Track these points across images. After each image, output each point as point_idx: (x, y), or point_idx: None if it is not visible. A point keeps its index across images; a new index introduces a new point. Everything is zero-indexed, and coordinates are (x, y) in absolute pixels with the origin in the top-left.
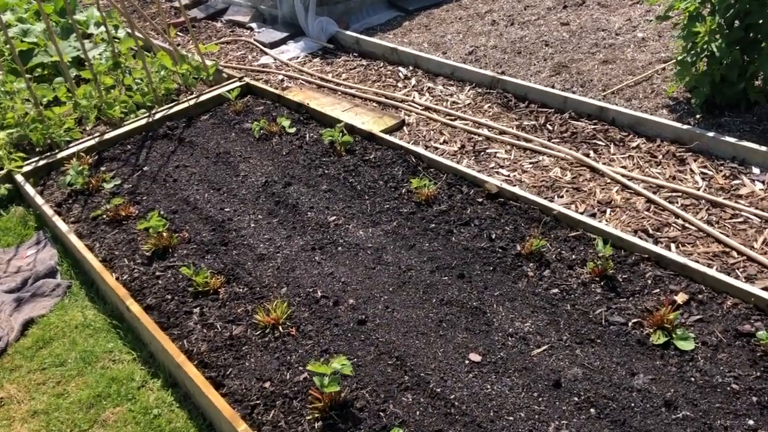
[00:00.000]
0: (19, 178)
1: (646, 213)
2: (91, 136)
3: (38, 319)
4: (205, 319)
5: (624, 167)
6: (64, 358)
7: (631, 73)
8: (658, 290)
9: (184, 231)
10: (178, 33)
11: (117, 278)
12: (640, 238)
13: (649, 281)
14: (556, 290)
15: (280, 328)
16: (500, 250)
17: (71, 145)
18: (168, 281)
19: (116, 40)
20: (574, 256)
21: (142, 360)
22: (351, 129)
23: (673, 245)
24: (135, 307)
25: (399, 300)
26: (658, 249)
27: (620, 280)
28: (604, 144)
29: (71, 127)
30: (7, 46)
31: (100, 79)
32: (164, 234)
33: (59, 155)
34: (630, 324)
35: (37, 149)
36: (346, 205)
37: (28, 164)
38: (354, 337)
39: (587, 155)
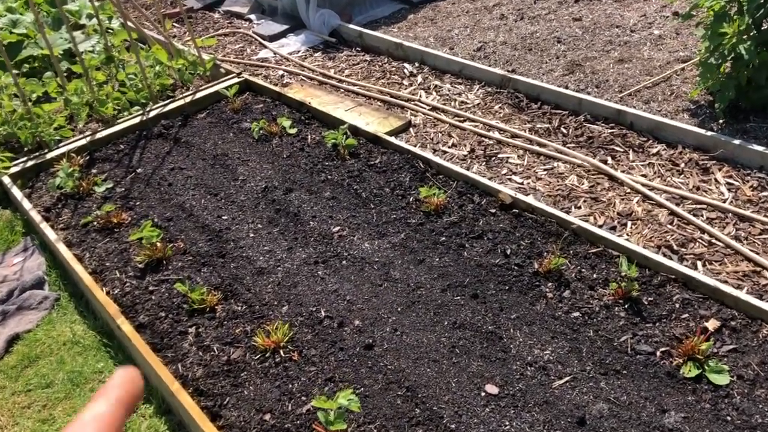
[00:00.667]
0: (6, 179)
1: (669, 227)
2: (82, 135)
3: (24, 334)
4: (201, 340)
5: (644, 176)
6: (51, 378)
7: (649, 74)
8: (687, 315)
9: (180, 241)
10: (174, 24)
11: (108, 292)
12: (664, 254)
13: (677, 305)
14: (577, 314)
15: (281, 352)
16: (516, 268)
17: (61, 144)
18: (162, 297)
19: (110, 31)
20: (595, 275)
21: None
22: (355, 130)
23: (699, 263)
24: (126, 327)
25: (408, 322)
26: (686, 270)
27: (646, 303)
28: (622, 150)
29: (62, 125)
30: None
31: (91, 74)
32: (158, 244)
33: (48, 155)
34: (658, 354)
35: (26, 149)
36: (350, 214)
37: (15, 165)
38: (360, 364)
39: (605, 162)
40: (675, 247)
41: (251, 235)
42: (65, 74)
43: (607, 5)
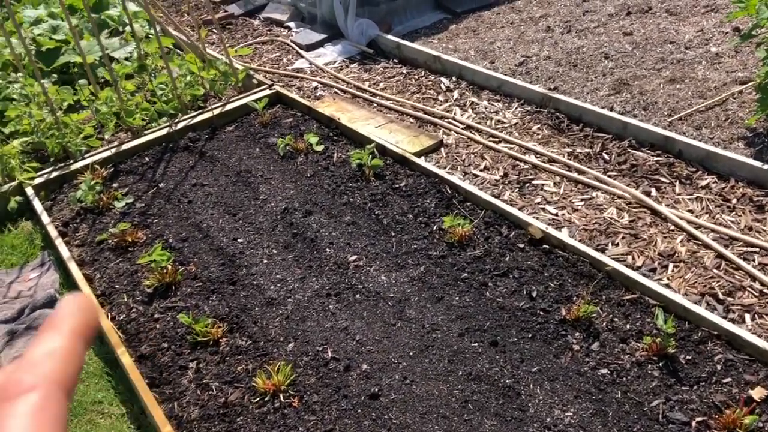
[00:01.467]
0: (30, 191)
1: (715, 272)
2: (108, 146)
3: None
4: (201, 377)
5: (691, 211)
6: None
7: (702, 96)
8: (729, 379)
9: (192, 264)
10: (213, 31)
11: (113, 318)
12: (708, 304)
13: (719, 366)
14: (605, 370)
15: (281, 396)
16: (542, 313)
17: (87, 155)
18: (167, 326)
19: (149, 37)
20: (628, 326)
21: (133, 417)
22: (382, 150)
23: (747, 316)
24: (126, 359)
25: (420, 369)
26: (730, 326)
27: (683, 361)
28: (668, 181)
29: (90, 135)
30: (31, 45)
31: (121, 83)
32: (169, 268)
33: (73, 166)
34: (693, 424)
35: (51, 159)
36: (369, 242)
37: (40, 176)
38: (364, 415)
39: (648, 194)
40: (721, 296)
41: (265, 261)
42: (101, 81)
43: (662, 19)
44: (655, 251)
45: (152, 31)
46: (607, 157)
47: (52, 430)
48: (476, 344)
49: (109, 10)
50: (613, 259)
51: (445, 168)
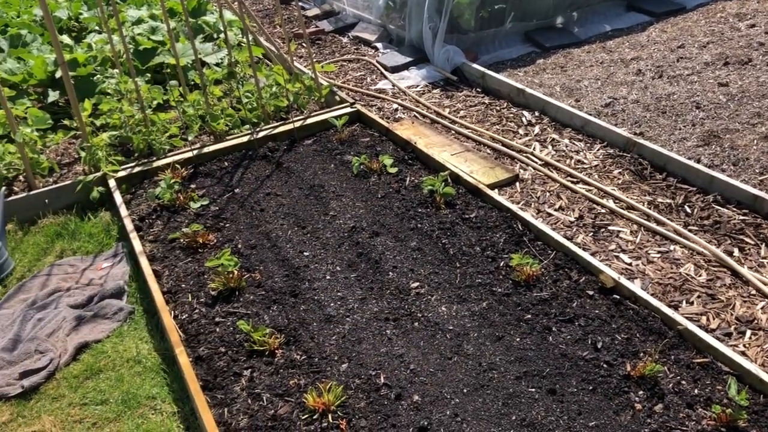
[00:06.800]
0: (112, 183)
1: None
2: (190, 148)
3: (93, 344)
4: (254, 386)
5: None
6: (107, 396)
7: None
8: None
9: (257, 272)
10: (302, 45)
11: (176, 316)
12: None
13: None
14: None
15: (330, 416)
16: (605, 366)
17: (170, 154)
18: (226, 330)
19: (241, 46)
20: (696, 391)
21: (183, 417)
22: (456, 178)
23: None
24: (183, 359)
25: (472, 408)
26: None
27: None
28: (753, 243)
29: (174, 134)
30: (130, 44)
31: (209, 88)
32: (235, 273)
33: (155, 164)
34: None
35: (136, 154)
36: (433, 271)
37: (123, 169)
38: None
39: (730, 254)
40: None
41: (327, 277)
42: (191, 84)
43: (762, 72)
44: (732, 315)
45: (244, 39)
46: (689, 210)
47: None
48: (533, 390)
49: (206, 16)
50: (686, 318)
51: (518, 203)
